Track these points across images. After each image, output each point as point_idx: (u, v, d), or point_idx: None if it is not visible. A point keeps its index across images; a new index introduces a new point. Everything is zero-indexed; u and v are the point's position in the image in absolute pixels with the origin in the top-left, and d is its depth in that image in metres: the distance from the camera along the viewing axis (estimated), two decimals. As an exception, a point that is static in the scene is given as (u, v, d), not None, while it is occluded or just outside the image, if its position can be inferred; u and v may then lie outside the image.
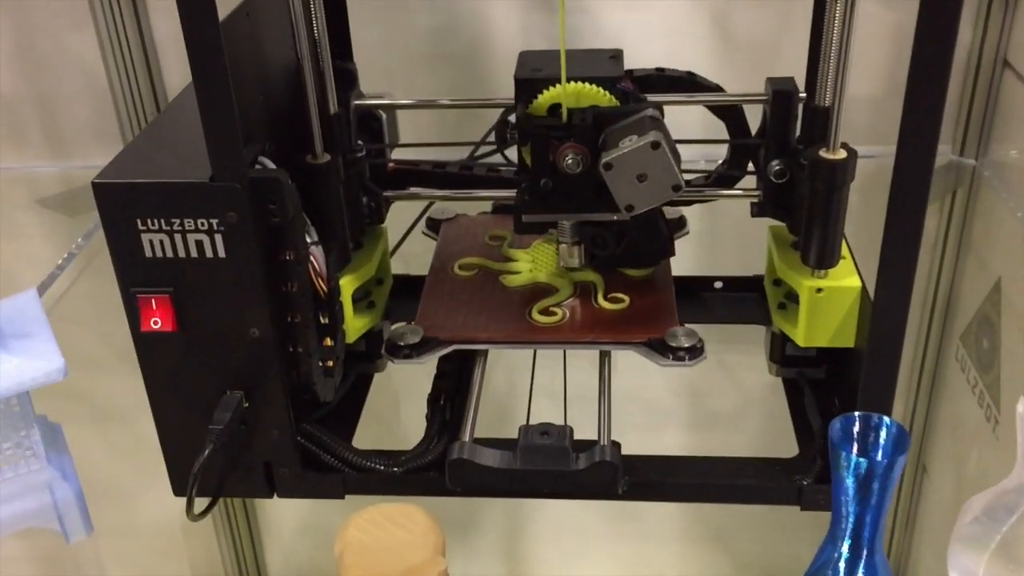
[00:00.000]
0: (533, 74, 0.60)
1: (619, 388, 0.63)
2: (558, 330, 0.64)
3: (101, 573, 0.69)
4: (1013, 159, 1.01)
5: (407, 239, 0.75)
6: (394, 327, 0.65)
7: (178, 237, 0.54)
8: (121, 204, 0.54)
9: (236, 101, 0.51)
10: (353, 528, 0.50)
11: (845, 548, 0.46)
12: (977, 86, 1.02)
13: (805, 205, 0.59)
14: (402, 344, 0.63)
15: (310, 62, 0.58)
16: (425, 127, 1.01)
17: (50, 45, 1.10)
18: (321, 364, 0.60)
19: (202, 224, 0.54)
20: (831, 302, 0.60)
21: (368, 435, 0.67)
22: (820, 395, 0.66)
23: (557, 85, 0.59)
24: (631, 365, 0.64)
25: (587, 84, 0.59)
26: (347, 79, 0.66)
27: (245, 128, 0.53)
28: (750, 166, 0.66)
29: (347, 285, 0.64)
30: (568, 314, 0.65)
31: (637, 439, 0.61)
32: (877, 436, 0.47)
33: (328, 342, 0.60)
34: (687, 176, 0.60)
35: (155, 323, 0.56)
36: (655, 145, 0.56)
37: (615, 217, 0.61)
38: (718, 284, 0.74)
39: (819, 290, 0.60)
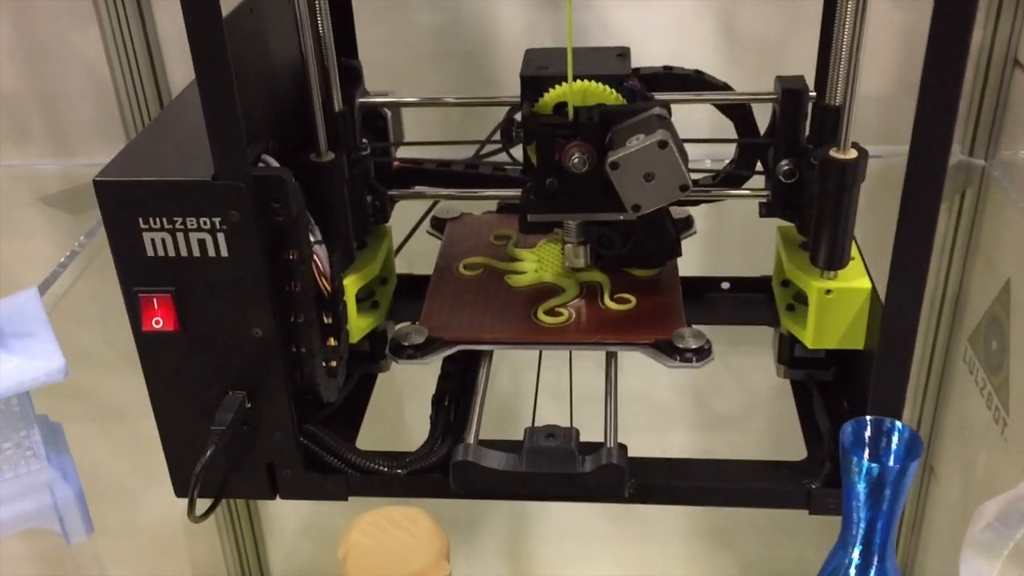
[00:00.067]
0: (539, 72, 0.60)
1: (624, 388, 0.63)
2: (564, 331, 0.64)
3: (102, 573, 0.68)
4: (1023, 159, 1.00)
5: (411, 238, 0.75)
6: (398, 327, 0.65)
7: (180, 236, 0.54)
8: (123, 202, 0.53)
9: (240, 98, 0.50)
10: (357, 531, 0.50)
11: (856, 554, 0.46)
12: (987, 86, 1.01)
13: (815, 205, 0.59)
14: (406, 344, 0.62)
15: (314, 59, 0.58)
16: (430, 126, 1.01)
17: (54, 42, 1.10)
18: (324, 364, 0.60)
19: (204, 223, 0.53)
20: (840, 303, 0.60)
21: (371, 436, 0.66)
22: (828, 397, 0.65)
23: (563, 83, 0.59)
24: (636, 366, 0.64)
25: (594, 82, 0.59)
26: (352, 77, 0.65)
27: (248, 126, 0.52)
28: (758, 166, 0.65)
29: (351, 285, 0.63)
30: (574, 315, 0.65)
31: (642, 440, 0.61)
32: (889, 441, 0.46)
33: (331, 342, 0.60)
34: (694, 176, 0.59)
35: (157, 323, 0.56)
36: (662, 144, 0.56)
37: (621, 217, 0.61)
38: (725, 285, 0.74)
39: (828, 291, 0.60)
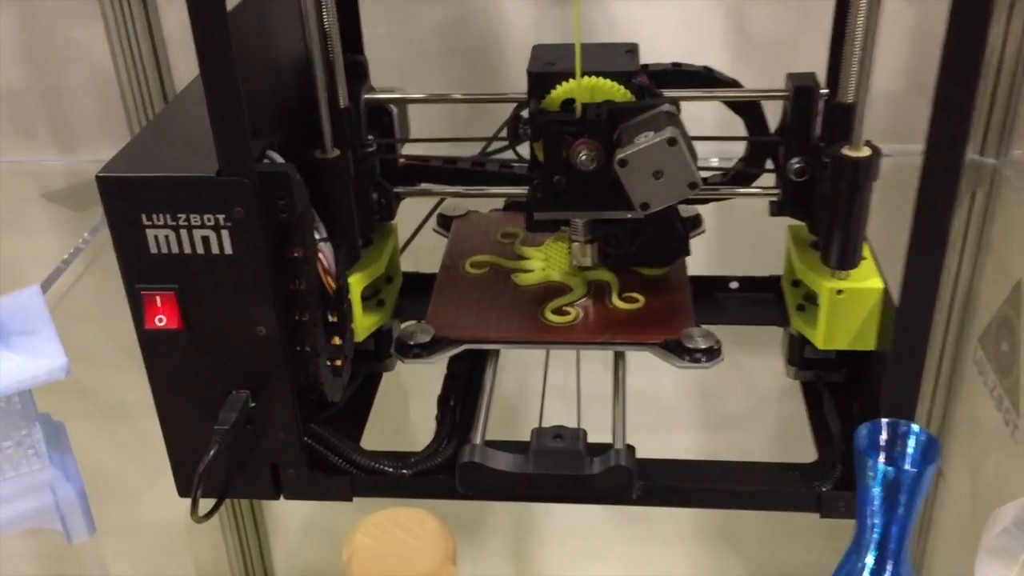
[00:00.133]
0: (546, 68, 0.59)
1: (629, 388, 0.62)
2: (571, 330, 0.63)
3: (104, 572, 0.68)
4: (1034, 159, 1.00)
5: (417, 236, 0.75)
6: (404, 326, 0.64)
7: (184, 233, 0.53)
8: (126, 198, 0.53)
9: (244, 94, 0.50)
10: (362, 533, 0.49)
11: (870, 559, 0.45)
12: (999, 84, 1.01)
13: (827, 204, 0.58)
14: (412, 343, 0.62)
15: (320, 54, 0.58)
16: (436, 123, 1.00)
17: (58, 38, 1.10)
18: (329, 363, 0.59)
19: (208, 219, 0.53)
20: (852, 304, 0.59)
21: (376, 436, 0.66)
22: (838, 399, 0.65)
23: (571, 79, 0.58)
24: (642, 365, 0.64)
25: (602, 78, 0.58)
26: (358, 72, 0.65)
27: (253, 121, 0.52)
28: (768, 164, 0.65)
29: (356, 283, 0.63)
30: (582, 314, 0.64)
31: (647, 441, 0.60)
32: (905, 444, 0.45)
33: (336, 341, 0.59)
34: (703, 174, 0.59)
35: (160, 321, 0.55)
36: (672, 141, 0.55)
37: (629, 215, 0.60)
38: (733, 284, 0.73)
39: (840, 291, 0.59)
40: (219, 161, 0.52)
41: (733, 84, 0.63)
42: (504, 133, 0.63)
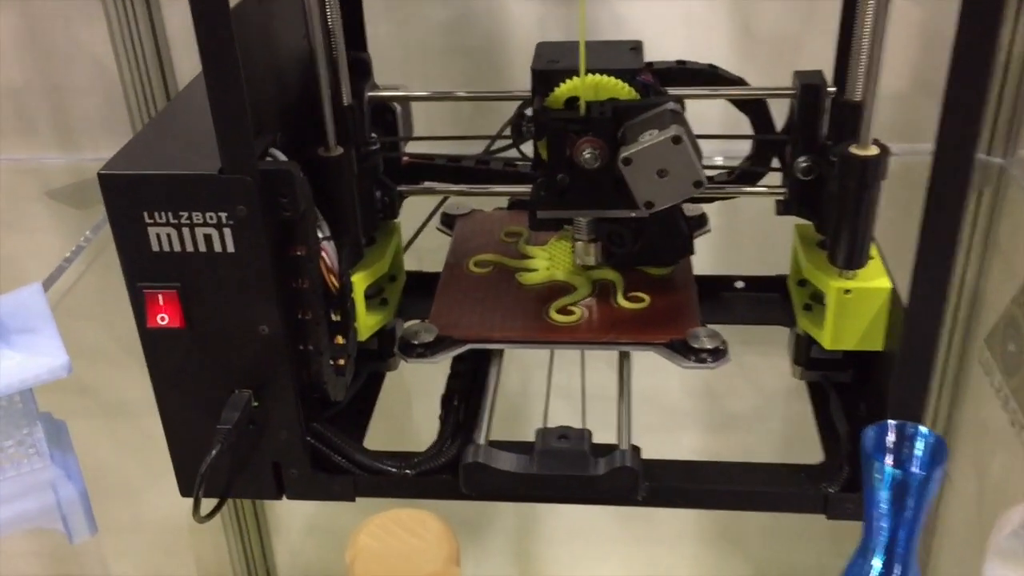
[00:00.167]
0: (550, 65, 0.59)
1: (633, 388, 0.62)
2: (576, 330, 0.63)
3: (106, 571, 0.68)
4: (1041, 158, 1.00)
5: (421, 235, 0.74)
6: (407, 325, 0.64)
7: (186, 231, 0.53)
8: (128, 196, 0.53)
9: (247, 91, 0.50)
10: (365, 535, 0.49)
11: (877, 563, 0.45)
12: (1006, 84, 1.00)
13: (834, 203, 0.58)
14: (416, 343, 0.62)
15: (324, 51, 0.57)
16: (440, 121, 1.00)
17: (61, 36, 1.10)
18: (332, 362, 0.59)
19: (211, 217, 0.52)
20: (860, 304, 0.59)
21: (379, 436, 0.66)
22: (845, 399, 0.64)
23: (575, 77, 0.58)
24: (647, 365, 0.63)
25: (606, 76, 0.58)
26: (361, 70, 0.65)
27: (256, 119, 0.52)
28: (774, 163, 0.64)
29: (359, 282, 0.63)
30: (586, 313, 0.64)
31: (652, 441, 0.60)
32: (913, 447, 0.45)
33: (339, 340, 0.59)
34: (709, 172, 0.59)
35: (162, 319, 0.55)
36: (676, 140, 0.55)
37: (633, 214, 0.60)
38: (739, 284, 0.73)
39: (847, 291, 0.59)
40: (222, 159, 0.52)
41: (739, 82, 0.63)
42: (508, 131, 0.63)
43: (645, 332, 0.62)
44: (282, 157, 0.55)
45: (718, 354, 0.59)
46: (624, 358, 0.63)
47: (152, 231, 0.53)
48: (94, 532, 0.65)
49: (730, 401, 0.78)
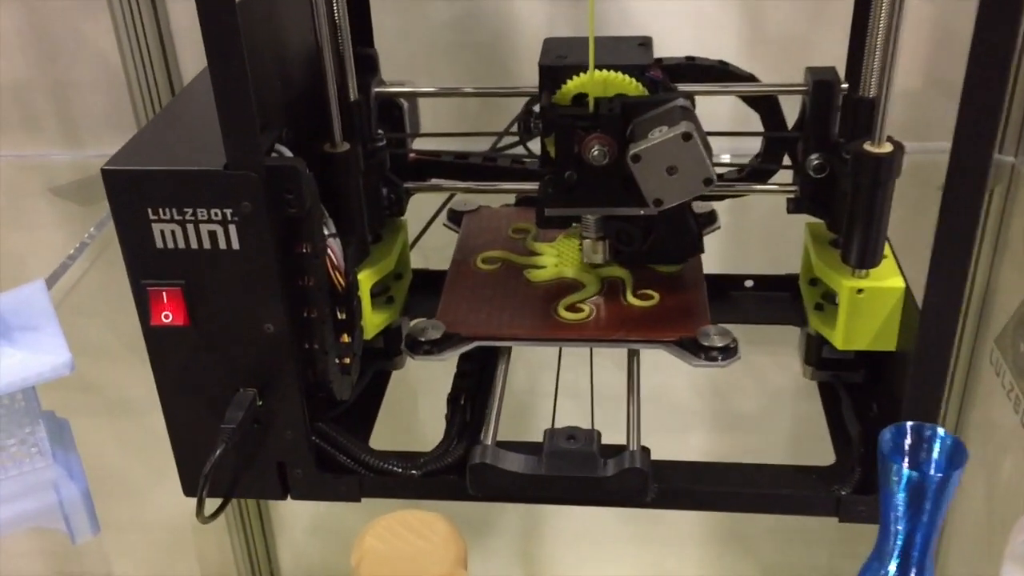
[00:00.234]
0: (558, 61, 0.58)
1: (641, 387, 0.62)
2: (585, 327, 0.62)
3: (109, 570, 0.68)
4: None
5: (427, 232, 0.74)
6: (414, 323, 0.64)
7: (190, 227, 0.53)
8: (132, 192, 0.52)
9: (252, 86, 0.49)
10: (371, 536, 0.49)
11: (893, 567, 0.44)
12: (1017, 81, 1.00)
13: (847, 201, 0.57)
14: (423, 340, 0.61)
15: (330, 47, 0.57)
16: (446, 117, 1.00)
17: (65, 32, 1.10)
18: (338, 361, 0.59)
19: (215, 214, 0.52)
20: (872, 303, 0.58)
21: (385, 435, 0.66)
22: (857, 400, 0.64)
23: (583, 73, 0.57)
24: (655, 364, 0.63)
25: (615, 72, 0.57)
26: (368, 66, 0.64)
27: (261, 114, 0.51)
28: (785, 160, 0.64)
29: (365, 279, 0.62)
30: (595, 311, 0.63)
31: (660, 441, 0.59)
32: (930, 449, 0.44)
33: (345, 338, 0.59)
34: (719, 170, 0.58)
35: (166, 317, 0.55)
36: (686, 136, 0.54)
37: (642, 212, 0.59)
38: (748, 283, 0.73)
39: (860, 291, 0.58)
40: (227, 155, 0.51)
41: (749, 78, 0.63)
42: (515, 128, 0.63)
43: (655, 330, 0.61)
44: (288, 153, 0.55)
45: (728, 352, 0.59)
46: (633, 356, 0.63)
47: (156, 228, 0.53)
48: (96, 532, 0.65)
49: (738, 401, 0.77)
